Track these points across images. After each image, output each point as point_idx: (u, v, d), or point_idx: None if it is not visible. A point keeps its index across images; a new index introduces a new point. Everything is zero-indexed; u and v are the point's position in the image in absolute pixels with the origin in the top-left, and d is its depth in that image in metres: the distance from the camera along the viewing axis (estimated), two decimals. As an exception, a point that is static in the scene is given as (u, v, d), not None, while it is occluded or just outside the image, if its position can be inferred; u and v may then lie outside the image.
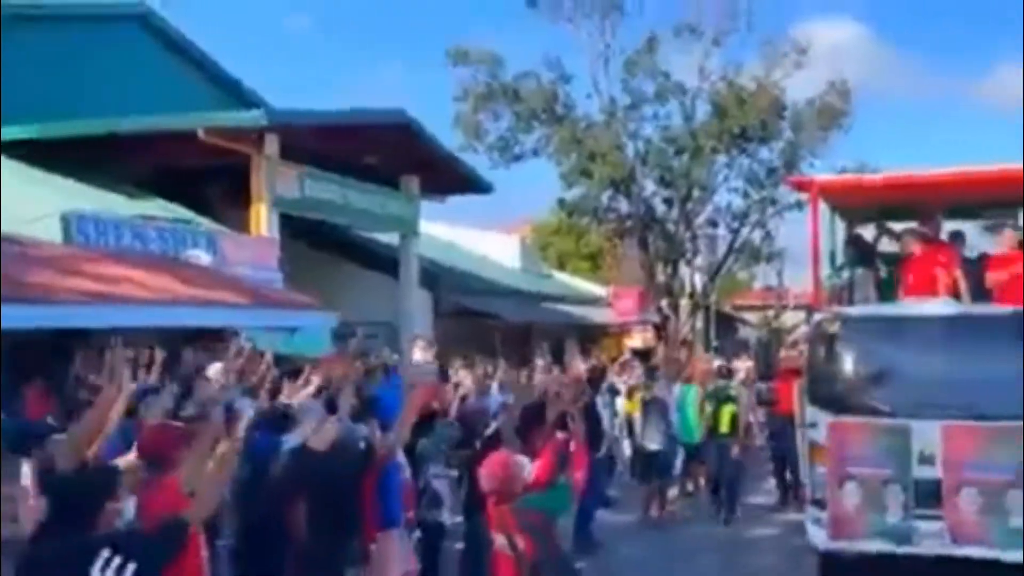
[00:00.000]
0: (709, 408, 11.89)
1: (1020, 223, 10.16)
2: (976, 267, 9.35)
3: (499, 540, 5.10)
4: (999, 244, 9.65)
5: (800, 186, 12.30)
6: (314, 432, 5.22)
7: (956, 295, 8.94)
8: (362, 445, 5.68)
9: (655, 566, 9.77)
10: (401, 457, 6.16)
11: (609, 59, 25.35)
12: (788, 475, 12.23)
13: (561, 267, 34.10)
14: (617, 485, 12.53)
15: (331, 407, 5.87)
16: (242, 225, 13.48)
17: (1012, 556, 7.92)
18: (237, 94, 18.01)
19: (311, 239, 16.87)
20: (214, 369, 6.73)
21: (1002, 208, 10.31)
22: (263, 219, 13.44)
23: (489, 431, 6.85)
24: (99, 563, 3.11)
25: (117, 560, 3.12)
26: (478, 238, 25.43)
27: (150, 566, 3.24)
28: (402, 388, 6.93)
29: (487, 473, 5.02)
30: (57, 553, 3.19)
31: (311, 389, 7.18)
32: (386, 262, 18.17)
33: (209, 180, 14.76)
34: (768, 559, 10.19)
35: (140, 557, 3.18)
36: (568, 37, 25.78)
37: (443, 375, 10.84)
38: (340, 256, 17.95)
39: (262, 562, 5.28)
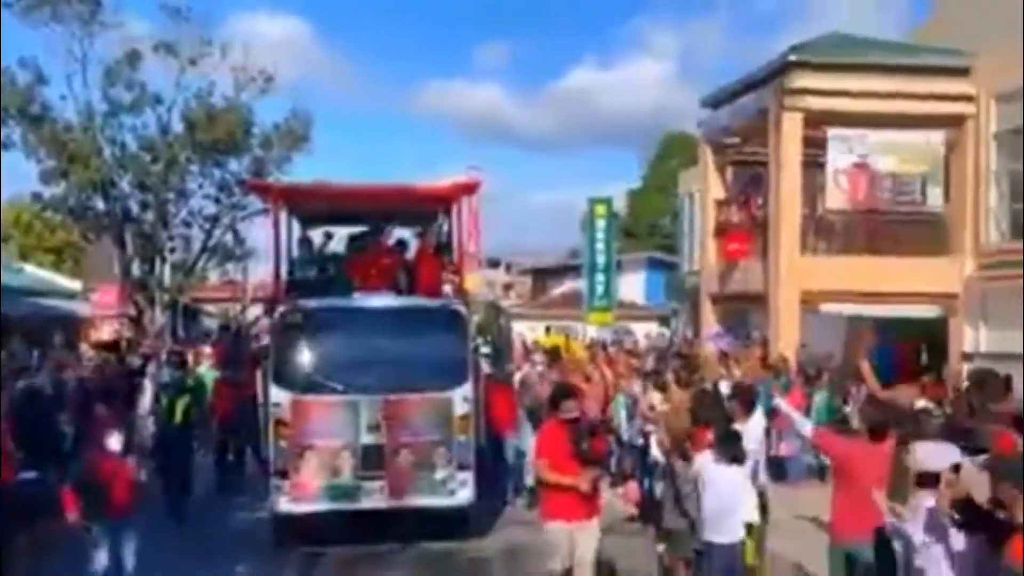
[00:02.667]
0: (164, 399, 11.60)
1: (436, 230, 12.05)
2: (412, 266, 10.88)
3: None
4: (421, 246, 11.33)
5: (260, 190, 13.52)
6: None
7: (397, 290, 10.39)
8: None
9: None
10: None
11: (87, 66, 26.20)
12: (245, 454, 13.12)
13: (23, 260, 33.71)
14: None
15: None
16: None
17: (438, 503, 9.66)
18: None
19: None
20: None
21: (427, 218, 12.06)
22: None
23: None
24: None
25: None
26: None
27: None
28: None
29: None
30: None
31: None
32: None
33: None
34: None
35: None
36: (45, 40, 25.98)
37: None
38: None
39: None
